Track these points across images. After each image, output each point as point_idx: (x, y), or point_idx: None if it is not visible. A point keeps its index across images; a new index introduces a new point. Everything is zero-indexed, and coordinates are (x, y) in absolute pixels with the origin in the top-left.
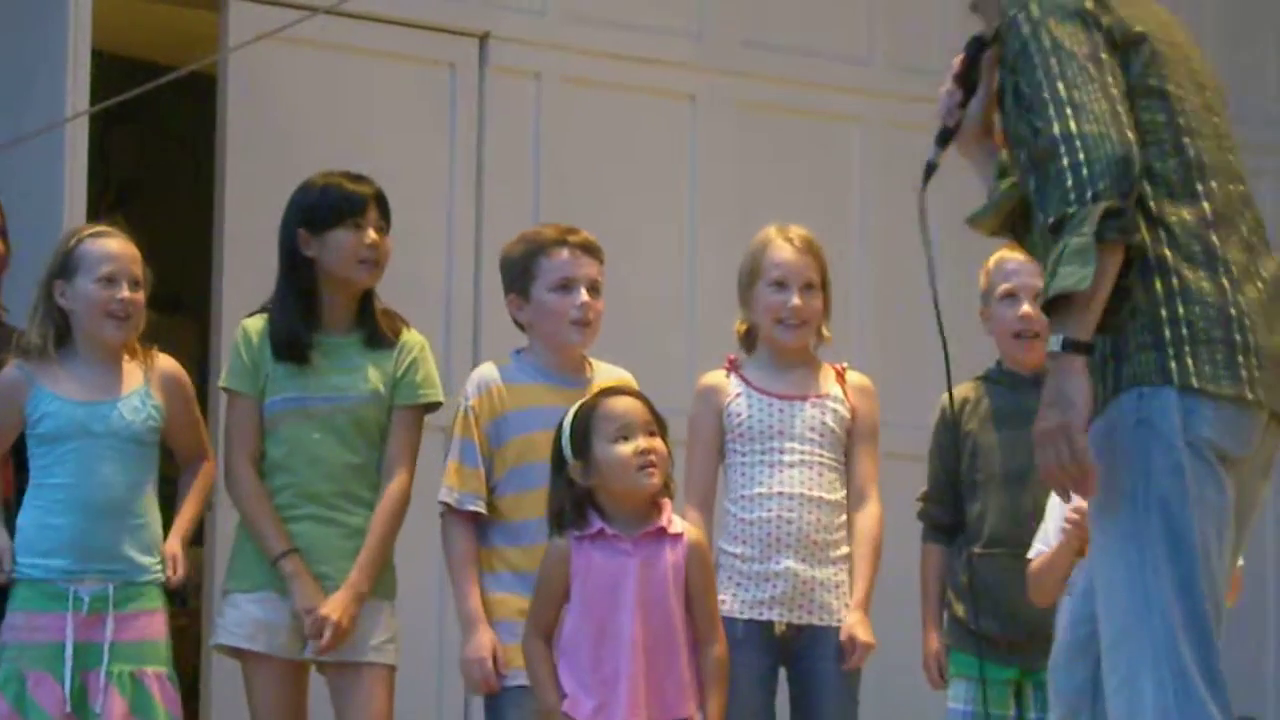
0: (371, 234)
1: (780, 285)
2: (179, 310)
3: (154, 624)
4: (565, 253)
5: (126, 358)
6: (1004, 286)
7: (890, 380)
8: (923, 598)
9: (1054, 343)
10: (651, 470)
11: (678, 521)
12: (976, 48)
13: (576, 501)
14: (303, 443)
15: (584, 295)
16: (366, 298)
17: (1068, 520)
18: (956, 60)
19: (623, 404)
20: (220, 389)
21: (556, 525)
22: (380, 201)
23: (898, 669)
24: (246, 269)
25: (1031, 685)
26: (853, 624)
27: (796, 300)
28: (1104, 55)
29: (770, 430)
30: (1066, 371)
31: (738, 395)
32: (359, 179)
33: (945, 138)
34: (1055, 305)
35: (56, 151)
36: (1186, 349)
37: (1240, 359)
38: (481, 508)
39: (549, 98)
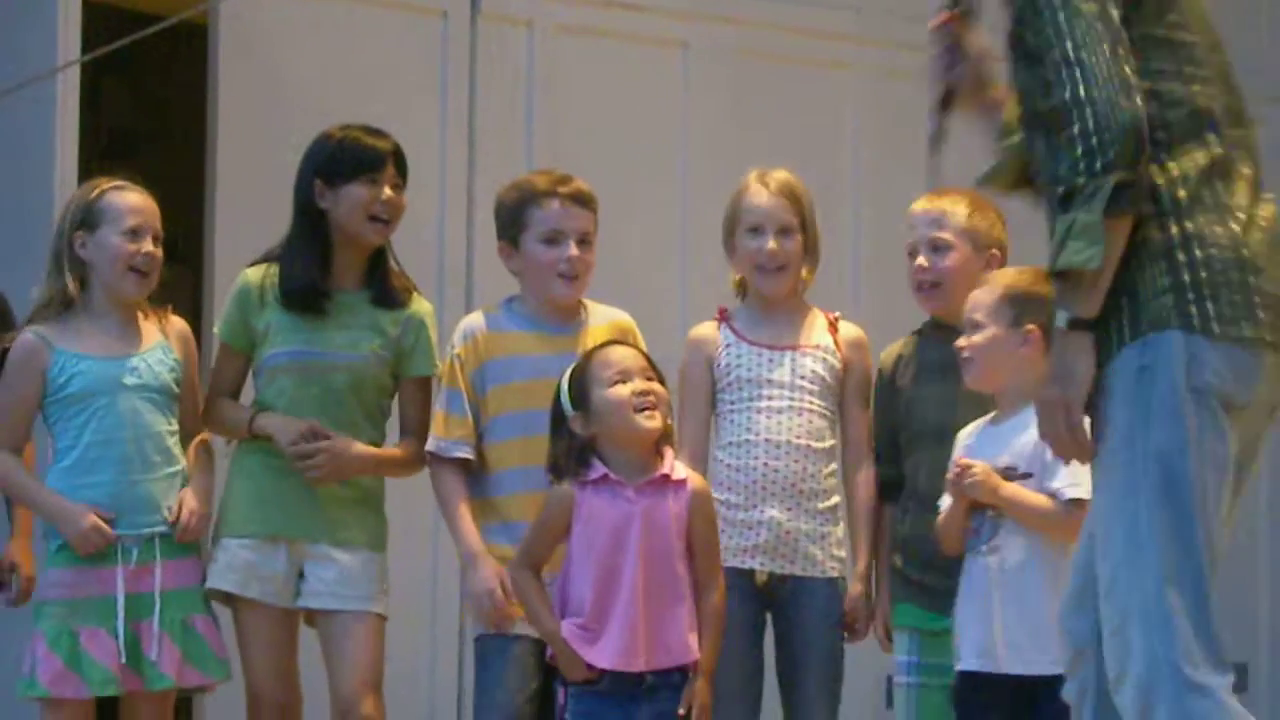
0: (387, 190)
1: (756, 231)
2: (174, 260)
3: (196, 569)
4: (556, 204)
5: (141, 314)
6: (907, 242)
7: (881, 329)
8: (878, 558)
9: (1060, 318)
10: (650, 411)
11: (680, 468)
12: (954, 4)
13: (578, 451)
14: (297, 398)
15: (573, 249)
16: (379, 256)
17: (949, 477)
18: (937, 21)
19: (618, 352)
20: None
21: (555, 475)
22: (398, 158)
23: None
24: (239, 218)
25: None
26: (856, 597)
27: (771, 244)
28: (1112, 10)
29: (757, 378)
30: (1070, 347)
31: (727, 346)
32: (378, 134)
33: (946, 102)
34: (1063, 276)
35: (48, 101)
36: (1206, 291)
37: (1256, 299)
38: (469, 453)
39: (541, 46)
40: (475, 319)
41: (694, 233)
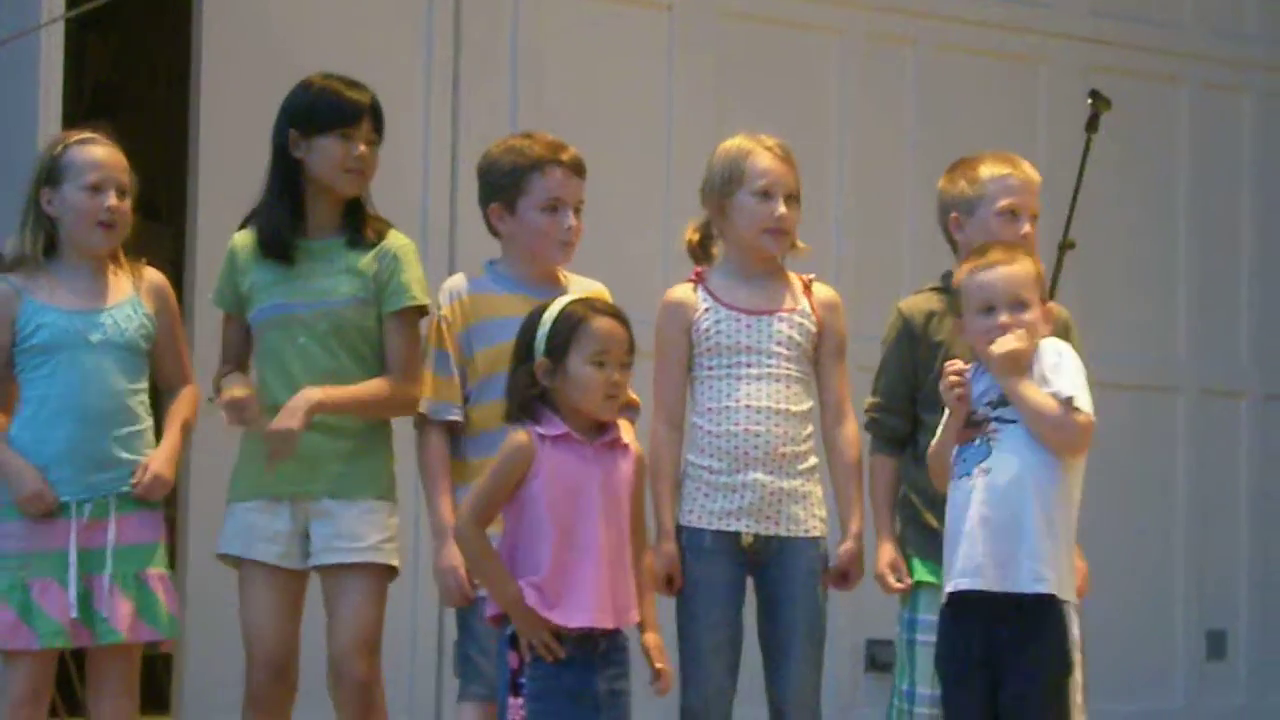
0: (361, 146)
1: (766, 194)
2: (155, 218)
3: (153, 525)
4: (559, 172)
5: (113, 267)
6: (1006, 202)
7: (865, 292)
8: (875, 509)
9: None
10: (614, 402)
11: (625, 434)
12: None
13: (536, 395)
14: (286, 349)
15: (572, 218)
16: (354, 201)
17: (950, 384)
18: None
19: (608, 328)
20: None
21: (518, 413)
22: (374, 111)
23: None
24: (223, 176)
25: None
26: (852, 553)
27: (783, 209)
28: None
29: (738, 345)
30: None
31: (705, 310)
32: (356, 86)
33: None
34: None
35: (31, 57)
36: None
37: None
38: (458, 416)
39: (527, 6)
40: (459, 281)
41: (677, 194)
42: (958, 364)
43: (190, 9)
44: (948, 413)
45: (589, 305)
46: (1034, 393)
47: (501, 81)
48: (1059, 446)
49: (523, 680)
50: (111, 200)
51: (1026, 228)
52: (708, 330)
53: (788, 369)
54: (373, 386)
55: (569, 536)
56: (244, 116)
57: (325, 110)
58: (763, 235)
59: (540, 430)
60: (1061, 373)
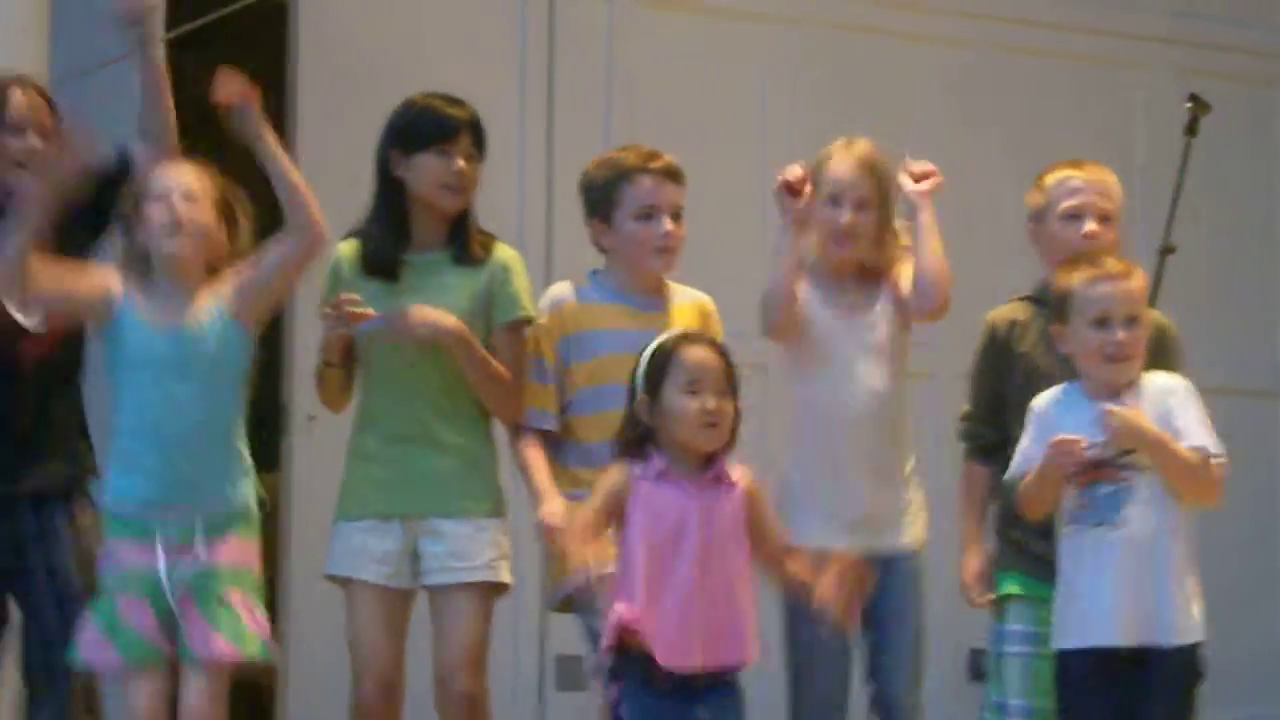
0: (459, 162)
1: (834, 201)
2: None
3: (243, 551)
4: (648, 180)
5: (205, 291)
6: (1068, 204)
7: (957, 303)
8: (964, 517)
9: None
10: (713, 431)
11: (733, 470)
12: None
13: (642, 433)
14: (395, 363)
15: (667, 224)
16: (461, 217)
17: (1052, 453)
18: None
19: (699, 356)
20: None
21: (622, 451)
22: (475, 128)
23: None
24: (319, 194)
25: None
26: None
27: (847, 217)
28: None
29: (833, 350)
30: None
31: (805, 304)
32: (456, 103)
33: None
34: None
35: (130, 80)
36: None
37: None
38: (553, 425)
39: (620, 19)
40: (564, 290)
41: (773, 208)
42: (1070, 439)
43: (286, 30)
44: (1036, 450)
45: (682, 337)
46: (1179, 449)
47: (596, 100)
48: (1198, 499)
49: (621, 713)
50: (174, 201)
51: (1090, 226)
52: (805, 326)
53: (884, 368)
54: (499, 367)
55: (660, 571)
56: (340, 135)
57: (423, 127)
58: (829, 242)
59: (639, 470)
60: (1194, 420)
